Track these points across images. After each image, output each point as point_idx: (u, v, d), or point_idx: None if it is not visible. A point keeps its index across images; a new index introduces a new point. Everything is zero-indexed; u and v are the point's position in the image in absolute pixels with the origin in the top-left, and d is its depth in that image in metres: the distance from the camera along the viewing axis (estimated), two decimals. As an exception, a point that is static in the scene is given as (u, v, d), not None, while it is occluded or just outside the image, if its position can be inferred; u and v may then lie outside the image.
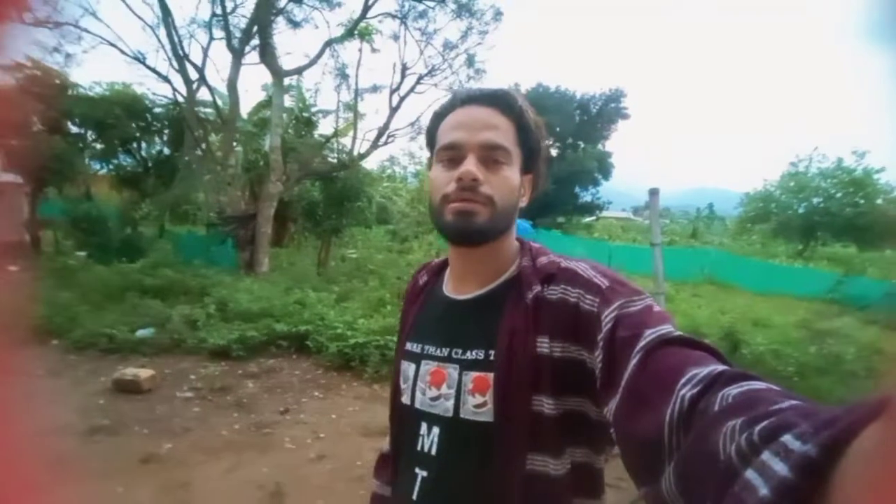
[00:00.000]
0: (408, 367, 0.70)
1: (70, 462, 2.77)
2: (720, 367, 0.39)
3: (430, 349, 0.68)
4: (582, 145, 27.11)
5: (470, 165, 0.62)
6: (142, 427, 3.27)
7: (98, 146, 12.72)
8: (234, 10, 8.34)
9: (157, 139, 13.61)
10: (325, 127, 12.21)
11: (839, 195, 19.37)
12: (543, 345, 0.59)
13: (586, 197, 28.52)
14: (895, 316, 6.61)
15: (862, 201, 18.88)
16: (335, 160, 10.31)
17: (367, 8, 8.72)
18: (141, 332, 5.05)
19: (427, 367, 0.67)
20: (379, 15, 9.19)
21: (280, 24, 8.73)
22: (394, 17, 9.22)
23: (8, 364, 0.24)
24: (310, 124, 12.27)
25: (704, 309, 7.09)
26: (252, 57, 8.45)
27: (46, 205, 11.62)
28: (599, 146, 28.09)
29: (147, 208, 15.23)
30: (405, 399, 0.70)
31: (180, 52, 8.10)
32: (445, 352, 0.67)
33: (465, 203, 0.62)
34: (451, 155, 0.65)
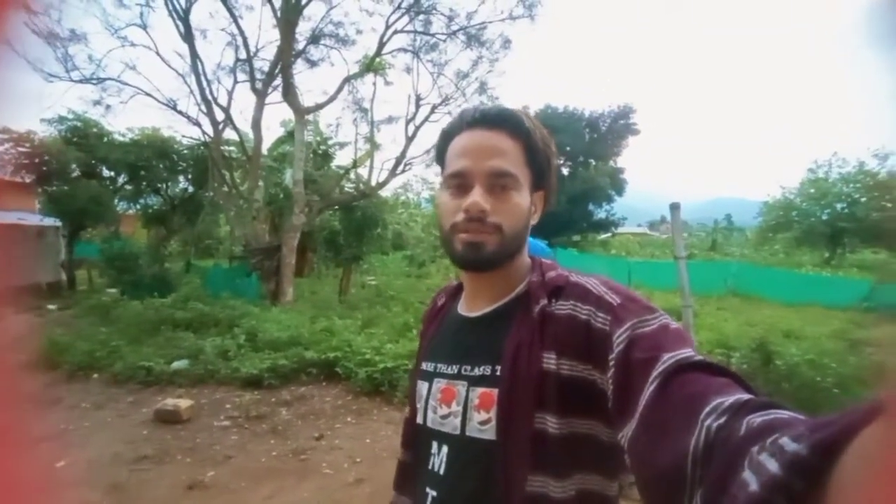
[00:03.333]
0: (421, 387, 0.71)
1: (123, 489, 2.88)
2: (745, 396, 0.38)
3: (442, 367, 0.68)
4: (593, 163, 27.25)
5: (476, 196, 0.62)
6: (185, 455, 3.37)
7: (128, 188, 13.39)
8: (255, 55, 8.89)
9: (181, 179, 14.25)
10: (341, 158, 12.66)
11: (864, 199, 18.91)
12: (550, 361, 0.58)
13: (601, 214, 28.44)
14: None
15: (889, 205, 18.40)
16: (354, 190, 10.64)
17: (381, 45, 9.17)
18: (176, 364, 5.22)
19: (438, 385, 0.67)
20: (393, 50, 9.65)
21: (299, 64, 9.25)
22: (407, 51, 9.65)
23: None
24: (327, 157, 12.73)
25: (731, 322, 6.97)
26: (274, 96, 8.94)
27: (81, 245, 12.18)
28: (611, 163, 28.20)
29: (174, 244, 15.82)
30: (419, 419, 0.70)
31: (208, 96, 8.62)
32: (455, 369, 0.66)
33: (474, 234, 0.62)
34: (459, 182, 0.64)
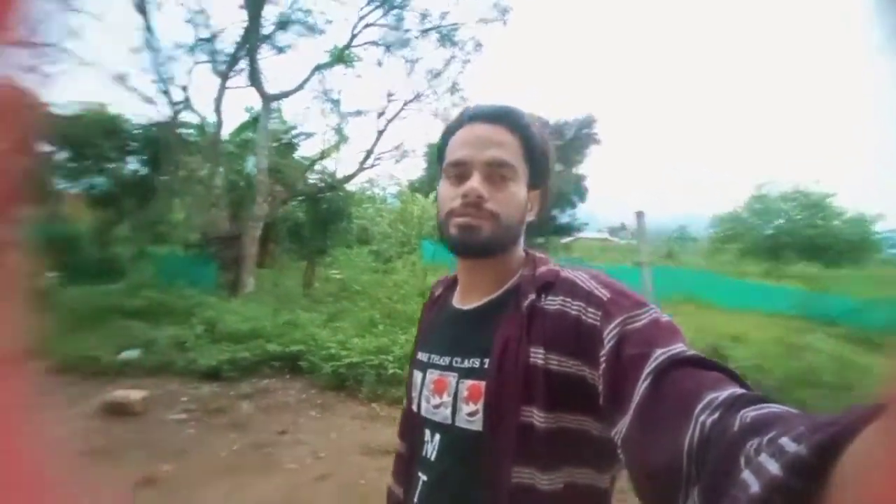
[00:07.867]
0: (417, 376, 0.72)
1: (69, 484, 2.68)
2: (738, 391, 0.38)
3: (435, 358, 0.70)
4: (559, 168, 27.97)
5: (475, 182, 0.64)
6: (137, 450, 3.18)
7: (70, 165, 12.41)
8: (217, 36, 8.47)
9: (133, 159, 13.38)
10: (306, 150, 12.32)
11: (800, 217, 20.54)
12: (537, 355, 0.58)
13: (564, 219, 29.23)
14: (862, 332, 6.67)
15: (821, 222, 20.07)
16: (320, 182, 10.38)
17: (353, 36, 8.99)
18: (126, 354, 4.91)
19: (431, 375, 0.69)
20: (364, 43, 9.48)
21: (265, 49, 8.92)
22: (378, 45, 9.51)
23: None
24: (291, 146, 12.34)
25: (686, 326, 7.33)
26: (237, 80, 8.54)
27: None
28: (574, 170, 29.03)
29: (124, 229, 14.83)
30: (414, 407, 0.72)
31: (165, 74, 8.15)
32: (447, 360, 0.68)
33: (470, 218, 0.64)
34: (458, 171, 0.66)
